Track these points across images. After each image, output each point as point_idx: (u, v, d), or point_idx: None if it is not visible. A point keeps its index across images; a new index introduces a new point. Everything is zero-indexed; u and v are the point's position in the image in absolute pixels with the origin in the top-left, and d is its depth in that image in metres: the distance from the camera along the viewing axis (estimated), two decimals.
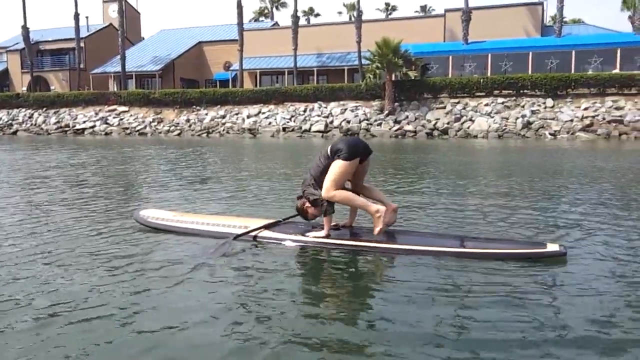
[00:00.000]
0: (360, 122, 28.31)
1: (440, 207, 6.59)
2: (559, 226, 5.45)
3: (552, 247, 4.20)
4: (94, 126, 33.82)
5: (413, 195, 7.53)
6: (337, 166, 4.58)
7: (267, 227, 4.90)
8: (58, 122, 35.22)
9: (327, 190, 4.58)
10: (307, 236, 4.69)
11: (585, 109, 25.27)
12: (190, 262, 4.12)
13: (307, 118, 29.76)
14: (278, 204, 6.74)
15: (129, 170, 11.76)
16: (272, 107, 31.60)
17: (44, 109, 36.82)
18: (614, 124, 24.02)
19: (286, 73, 38.13)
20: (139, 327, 2.94)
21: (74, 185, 8.89)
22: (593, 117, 24.70)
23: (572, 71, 28.89)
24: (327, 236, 4.63)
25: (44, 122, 35.68)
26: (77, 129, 33.82)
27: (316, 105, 30.50)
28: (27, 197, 7.63)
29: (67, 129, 34.34)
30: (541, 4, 35.42)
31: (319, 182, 4.68)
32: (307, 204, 4.79)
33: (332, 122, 28.92)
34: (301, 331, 2.90)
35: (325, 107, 30.15)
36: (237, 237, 4.67)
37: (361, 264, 4.24)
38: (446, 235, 4.88)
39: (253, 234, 4.78)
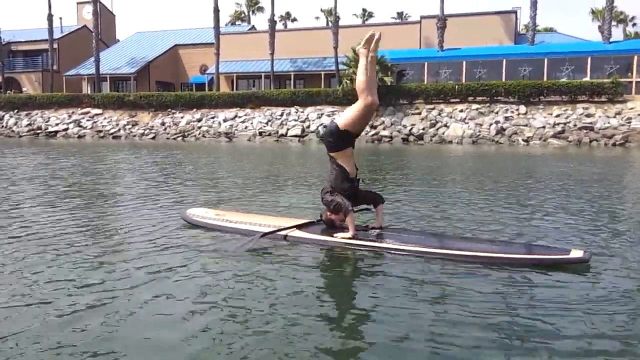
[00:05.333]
0: None
1: (446, 211, 6.62)
2: (575, 233, 5.38)
3: (575, 254, 4.08)
4: (66, 129, 33.17)
5: (421, 199, 7.63)
6: (355, 109, 4.81)
7: (297, 227, 4.99)
8: (30, 124, 34.49)
9: (362, 98, 4.81)
10: (335, 237, 4.74)
11: (557, 115, 25.78)
12: (218, 256, 4.45)
13: (283, 122, 29.74)
14: (304, 206, 6.98)
15: (160, 173, 11.78)
16: (248, 111, 31.50)
17: (16, 111, 36.09)
18: (585, 131, 24.50)
19: (263, 77, 38.05)
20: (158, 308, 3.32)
21: (114, 189, 9.13)
22: (565, 124, 25.19)
23: (545, 78, 29.46)
24: (354, 237, 4.65)
25: (15, 124, 34.93)
26: (50, 132, 33.14)
27: (293, 109, 30.50)
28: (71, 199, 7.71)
29: (39, 131, 33.59)
30: (515, 12, 36.13)
31: (335, 188, 4.80)
32: (330, 214, 4.90)
33: (308, 126, 28.94)
34: (312, 332, 2.96)
35: (302, 112, 30.17)
36: (264, 235, 4.81)
37: (386, 266, 4.19)
38: (473, 239, 4.85)
39: (282, 233, 4.90)
